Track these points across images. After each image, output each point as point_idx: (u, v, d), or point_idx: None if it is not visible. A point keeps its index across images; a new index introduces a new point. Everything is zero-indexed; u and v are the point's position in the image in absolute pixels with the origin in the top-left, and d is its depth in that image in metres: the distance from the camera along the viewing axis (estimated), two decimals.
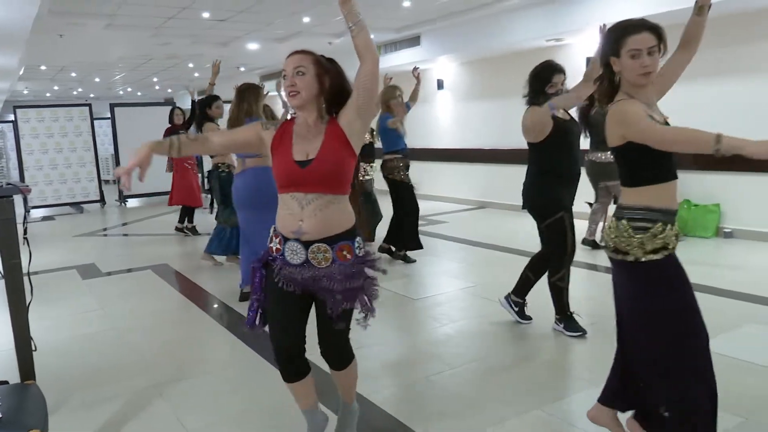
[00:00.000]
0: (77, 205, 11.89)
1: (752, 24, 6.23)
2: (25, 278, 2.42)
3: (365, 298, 2.26)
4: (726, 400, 2.90)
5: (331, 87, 2.20)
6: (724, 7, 5.88)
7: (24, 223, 2.46)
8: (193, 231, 8.05)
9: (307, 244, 2.18)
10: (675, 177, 2.19)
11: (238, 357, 3.83)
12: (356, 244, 2.24)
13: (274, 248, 2.27)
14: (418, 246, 6.04)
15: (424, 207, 9.81)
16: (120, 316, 4.78)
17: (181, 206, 8.13)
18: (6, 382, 2.43)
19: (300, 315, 2.30)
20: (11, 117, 13.61)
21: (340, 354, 2.42)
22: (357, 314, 2.34)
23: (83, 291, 5.57)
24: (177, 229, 8.15)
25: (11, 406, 2.06)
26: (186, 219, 8.09)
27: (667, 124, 2.18)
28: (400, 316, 4.53)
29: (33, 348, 2.58)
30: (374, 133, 6.36)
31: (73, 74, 13.35)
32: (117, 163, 12.29)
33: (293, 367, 2.34)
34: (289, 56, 2.21)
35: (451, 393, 3.18)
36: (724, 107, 6.46)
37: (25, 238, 2.33)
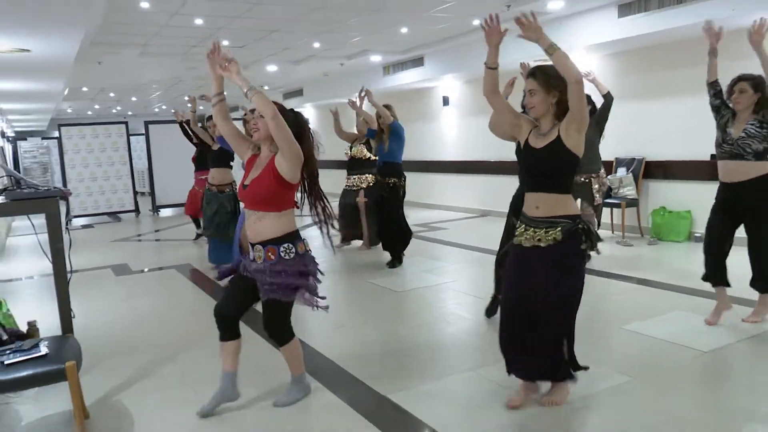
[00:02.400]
0: (114, 215, 12.92)
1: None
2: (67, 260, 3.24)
3: (305, 293, 3.02)
4: (621, 365, 3.58)
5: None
6: (667, 36, 6.55)
7: (66, 217, 3.29)
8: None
9: (253, 245, 3.00)
10: (528, 190, 2.95)
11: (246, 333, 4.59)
12: (282, 249, 2.96)
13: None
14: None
15: (430, 215, 10.53)
16: (144, 304, 5.63)
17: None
18: None
19: (241, 294, 3.10)
20: (56, 134, 14.80)
21: (276, 334, 3.14)
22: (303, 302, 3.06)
23: (115, 285, 6.45)
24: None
25: (55, 348, 2.84)
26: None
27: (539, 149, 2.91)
28: (381, 304, 5.26)
29: (72, 315, 3.37)
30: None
31: (112, 94, 14.49)
32: (151, 176, 13.30)
33: (224, 329, 3.11)
34: None
35: (404, 358, 3.89)
36: (667, 121, 7.15)
37: (67, 228, 3.14)
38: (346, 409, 3.21)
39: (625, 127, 7.92)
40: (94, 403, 3.40)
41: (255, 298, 3.10)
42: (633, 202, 7.53)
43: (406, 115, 11.37)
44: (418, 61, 10.11)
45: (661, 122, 7.40)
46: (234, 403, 3.26)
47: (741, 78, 3.98)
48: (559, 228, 2.84)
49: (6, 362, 2.66)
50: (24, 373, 2.64)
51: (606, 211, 7.74)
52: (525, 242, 2.93)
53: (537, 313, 2.90)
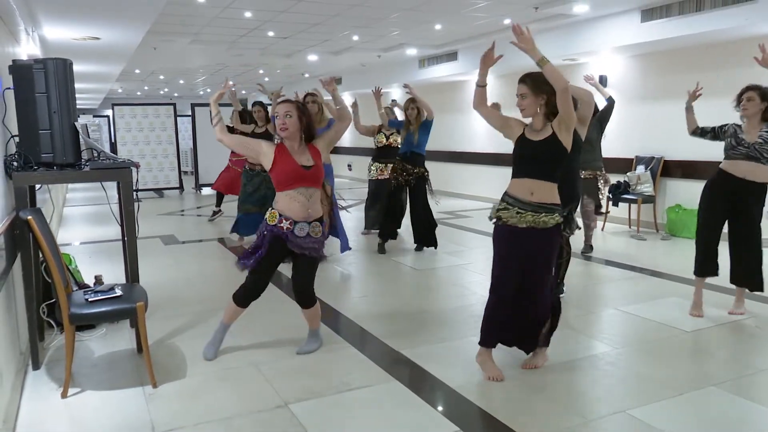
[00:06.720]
0: (159, 191, 13.73)
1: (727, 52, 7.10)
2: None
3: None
4: (607, 338, 4.04)
5: (307, 126, 3.53)
6: (687, 40, 6.86)
7: (135, 185, 3.89)
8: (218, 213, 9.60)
9: (309, 223, 3.52)
10: (523, 176, 3.37)
11: (272, 293, 5.19)
12: (323, 224, 3.64)
13: (284, 227, 3.47)
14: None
15: (457, 204, 10.99)
16: (190, 268, 6.30)
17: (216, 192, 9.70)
18: None
19: (274, 272, 3.66)
20: (106, 112, 15.69)
21: (310, 294, 3.70)
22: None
23: (164, 252, 7.14)
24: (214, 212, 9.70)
25: (127, 291, 3.45)
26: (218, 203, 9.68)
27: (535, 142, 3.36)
28: (401, 279, 5.82)
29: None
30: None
31: (161, 77, 15.28)
32: (195, 156, 14.05)
33: (252, 300, 3.69)
34: (280, 103, 3.53)
35: (416, 323, 4.44)
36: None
37: (135, 193, 3.76)
38: (363, 359, 3.78)
39: (646, 127, 8.26)
40: (153, 343, 4.02)
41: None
42: (649, 199, 7.88)
43: (440, 107, 11.82)
44: (452, 56, 10.55)
45: (681, 123, 7.60)
46: (265, 354, 3.83)
47: (749, 87, 4.38)
48: (557, 214, 3.32)
49: (90, 299, 3.27)
50: (104, 309, 3.26)
51: (623, 206, 8.12)
52: (520, 223, 3.39)
53: (535, 286, 3.39)
